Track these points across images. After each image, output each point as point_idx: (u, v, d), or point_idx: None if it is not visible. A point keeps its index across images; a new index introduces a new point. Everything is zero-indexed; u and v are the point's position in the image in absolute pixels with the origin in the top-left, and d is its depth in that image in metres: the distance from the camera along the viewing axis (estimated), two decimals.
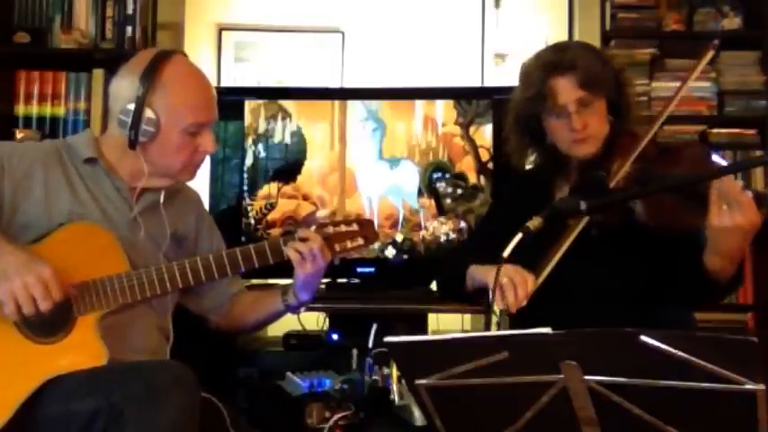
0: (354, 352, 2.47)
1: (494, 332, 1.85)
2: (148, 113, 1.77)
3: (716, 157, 1.75)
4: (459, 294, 2.01)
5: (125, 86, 1.80)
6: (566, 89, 1.85)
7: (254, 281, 2.40)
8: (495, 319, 2.32)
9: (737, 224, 1.58)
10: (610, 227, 1.80)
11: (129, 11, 3.07)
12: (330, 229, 1.90)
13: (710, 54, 1.88)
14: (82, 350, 1.66)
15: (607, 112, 1.91)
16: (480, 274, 1.87)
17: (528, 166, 2.11)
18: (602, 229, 1.82)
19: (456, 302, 2.12)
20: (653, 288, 1.84)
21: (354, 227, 1.93)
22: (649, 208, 1.75)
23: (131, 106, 1.76)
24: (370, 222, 1.99)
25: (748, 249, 3.09)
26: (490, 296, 1.69)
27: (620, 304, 1.82)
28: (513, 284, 1.71)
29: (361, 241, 1.93)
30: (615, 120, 1.93)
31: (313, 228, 1.89)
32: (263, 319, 2.05)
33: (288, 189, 2.85)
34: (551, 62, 1.88)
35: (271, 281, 2.40)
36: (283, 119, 2.87)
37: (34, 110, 3.05)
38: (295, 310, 2.00)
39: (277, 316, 2.03)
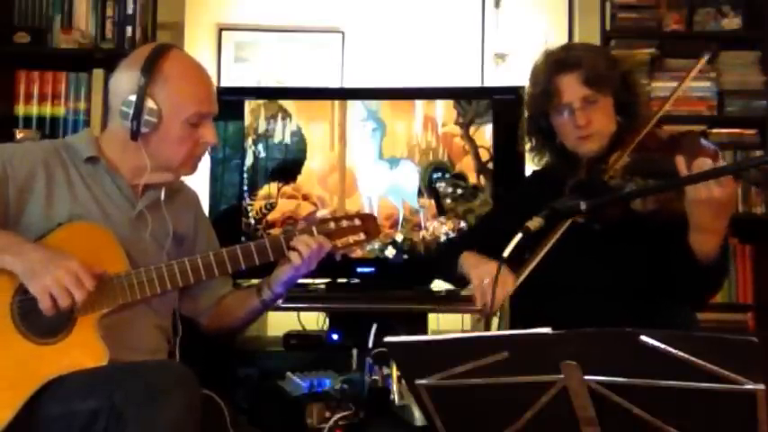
0: (354, 352, 2.47)
1: (494, 332, 1.84)
2: (150, 104, 1.76)
3: (704, 142, 1.76)
4: (448, 277, 2.06)
5: (126, 79, 1.80)
6: (570, 86, 1.88)
7: (255, 281, 2.39)
8: (495, 320, 2.32)
9: (715, 197, 1.59)
10: (612, 221, 1.81)
11: (129, 11, 3.08)
12: (332, 225, 1.89)
13: (703, 61, 1.93)
14: (83, 350, 1.65)
15: (615, 112, 1.93)
16: (467, 265, 1.87)
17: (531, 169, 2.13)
18: (604, 224, 1.83)
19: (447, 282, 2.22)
20: (653, 284, 1.84)
21: (356, 222, 1.91)
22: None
23: (133, 97, 1.76)
24: (372, 217, 1.97)
25: (748, 249, 3.13)
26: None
27: (622, 301, 1.83)
28: (491, 285, 1.71)
29: (362, 236, 1.91)
30: (624, 120, 1.94)
31: (314, 225, 1.87)
32: (243, 318, 2.01)
33: (288, 189, 2.85)
34: (557, 60, 1.92)
35: None
36: (283, 119, 2.87)
37: (34, 110, 3.05)
38: (271, 304, 1.96)
39: (256, 313, 1.99)
